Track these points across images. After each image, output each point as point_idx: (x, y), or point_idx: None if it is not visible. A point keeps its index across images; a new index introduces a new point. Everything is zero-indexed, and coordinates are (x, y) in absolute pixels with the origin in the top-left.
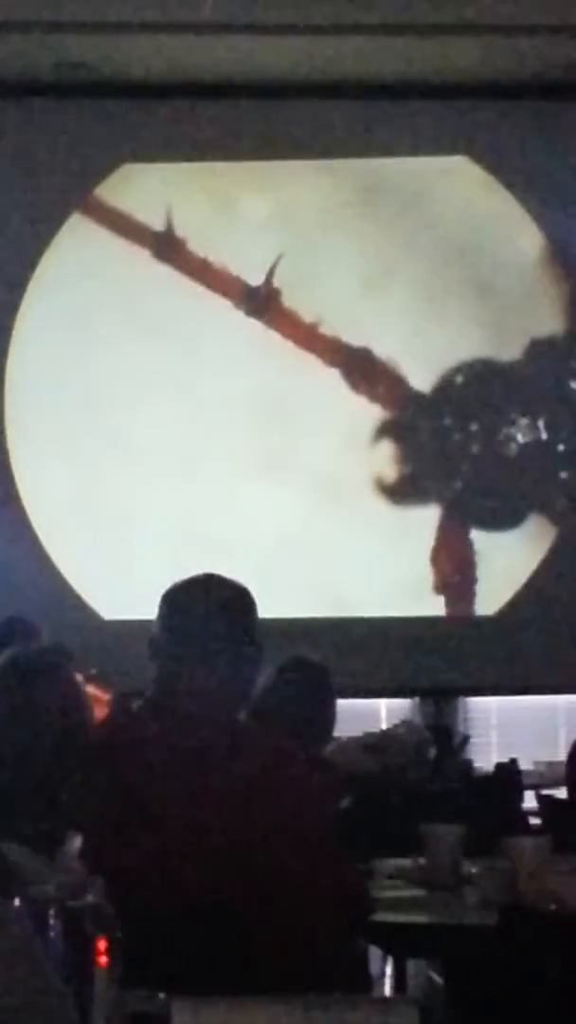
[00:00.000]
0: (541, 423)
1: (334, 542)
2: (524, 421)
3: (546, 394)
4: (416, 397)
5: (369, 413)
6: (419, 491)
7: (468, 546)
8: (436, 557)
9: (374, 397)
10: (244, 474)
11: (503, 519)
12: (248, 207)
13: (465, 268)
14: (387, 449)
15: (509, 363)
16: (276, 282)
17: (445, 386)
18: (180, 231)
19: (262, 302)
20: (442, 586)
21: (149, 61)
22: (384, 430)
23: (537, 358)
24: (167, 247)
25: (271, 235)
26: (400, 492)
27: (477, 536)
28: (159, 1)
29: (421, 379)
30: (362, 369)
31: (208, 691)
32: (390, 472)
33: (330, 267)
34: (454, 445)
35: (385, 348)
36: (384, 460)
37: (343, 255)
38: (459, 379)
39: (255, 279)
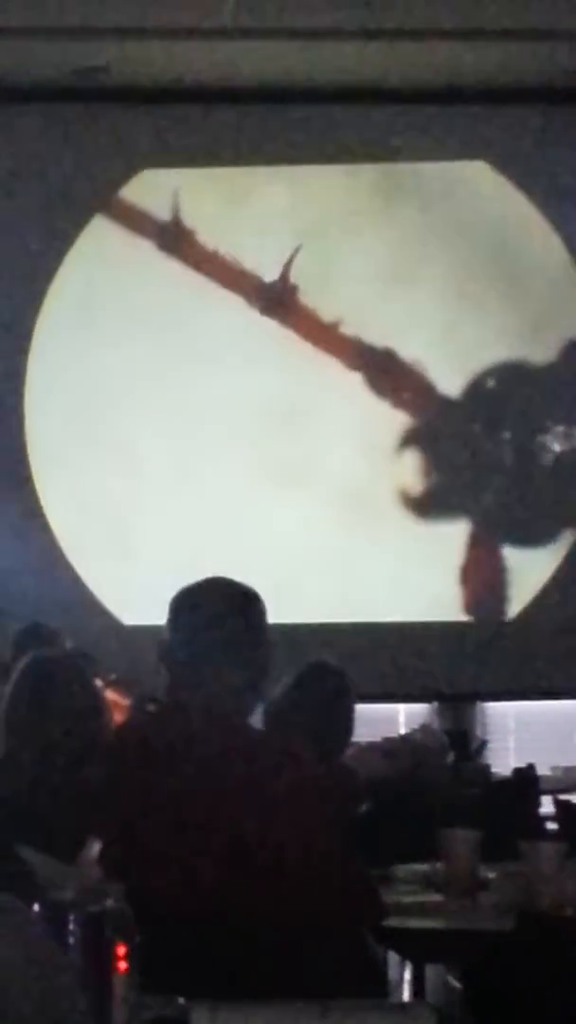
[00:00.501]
0: None
1: (354, 559)
2: (561, 429)
3: None
4: (444, 403)
5: (393, 420)
6: (447, 505)
7: (500, 564)
8: (465, 576)
9: (398, 403)
10: (258, 485)
11: (538, 535)
12: (263, 200)
13: (494, 266)
14: (412, 459)
15: (544, 366)
16: (293, 277)
17: (476, 391)
18: (189, 222)
19: (277, 299)
20: (472, 605)
21: (169, 66)
22: (409, 438)
23: (575, 360)
24: (172, 238)
25: (287, 227)
26: (426, 506)
27: (508, 551)
28: (180, 7)
29: (450, 383)
30: (386, 372)
31: (217, 694)
32: (415, 484)
33: (351, 262)
34: (485, 455)
35: (411, 349)
36: (409, 471)
37: (364, 248)
38: (491, 383)
39: (270, 274)
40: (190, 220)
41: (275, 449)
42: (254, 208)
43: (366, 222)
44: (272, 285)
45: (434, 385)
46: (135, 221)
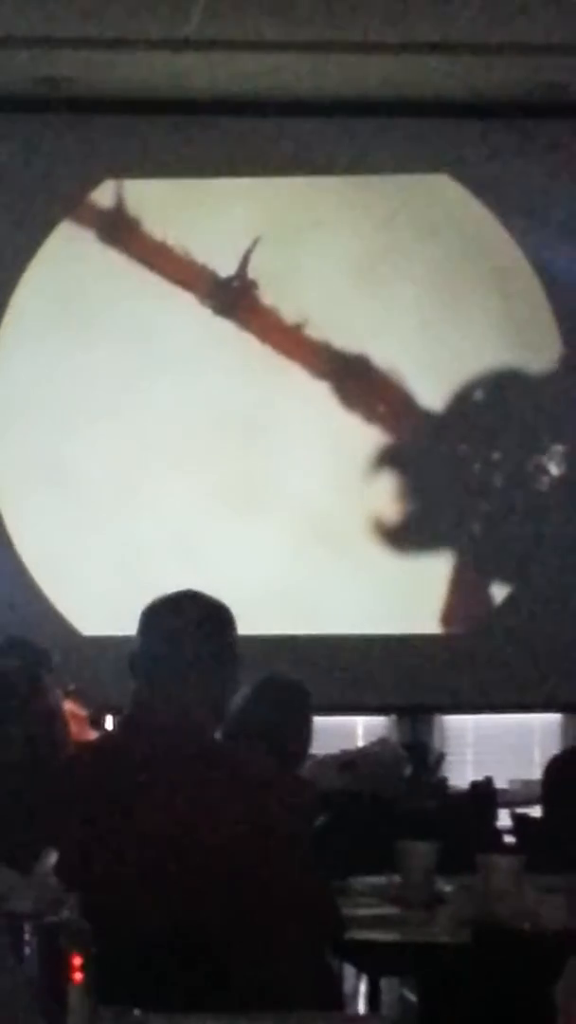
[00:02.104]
0: None
1: (319, 592)
2: (560, 448)
3: None
4: (425, 417)
5: (366, 436)
6: (427, 536)
7: (488, 602)
8: (448, 616)
9: (372, 416)
10: (210, 509)
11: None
12: (223, 205)
13: (470, 270)
14: (388, 482)
15: (540, 376)
16: (252, 273)
17: (461, 404)
18: (133, 212)
19: (234, 298)
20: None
21: (133, 77)
22: (385, 458)
23: (572, 371)
24: (113, 226)
25: (247, 221)
26: (404, 537)
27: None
28: (143, 18)
29: (431, 395)
30: (357, 381)
31: (184, 707)
32: (391, 511)
33: (317, 256)
34: (472, 478)
35: (386, 356)
36: (384, 496)
37: (332, 242)
38: (479, 395)
39: (226, 268)
40: (135, 211)
41: (230, 468)
42: (212, 209)
43: (331, 225)
44: (228, 281)
45: (413, 397)
46: (81, 213)
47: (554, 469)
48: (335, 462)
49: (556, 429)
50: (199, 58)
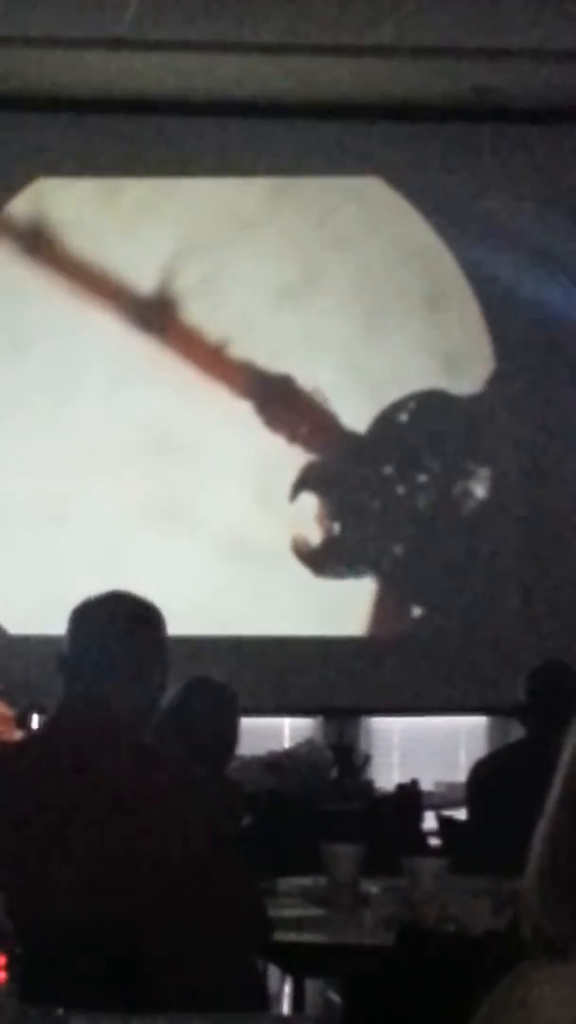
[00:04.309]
0: (509, 473)
1: (243, 599)
2: (486, 472)
3: (516, 437)
4: (349, 439)
5: (288, 457)
6: (350, 560)
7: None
8: (372, 622)
9: (295, 437)
10: (128, 529)
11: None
12: (148, 209)
13: (399, 284)
14: (310, 504)
15: (467, 397)
16: (173, 290)
17: (386, 425)
18: (55, 224)
19: (156, 314)
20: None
21: (62, 76)
22: (307, 480)
23: (501, 392)
24: (33, 238)
25: (170, 235)
26: (325, 560)
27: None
28: (75, 16)
29: (355, 416)
30: (280, 402)
31: (111, 707)
32: (313, 534)
33: (241, 273)
34: (396, 501)
35: (310, 376)
36: (306, 518)
37: (256, 258)
38: (403, 417)
39: (147, 284)
40: (60, 225)
41: (148, 488)
42: (135, 216)
43: (257, 233)
44: (149, 298)
45: (337, 418)
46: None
47: (480, 492)
48: (256, 483)
49: (483, 451)
50: (131, 58)
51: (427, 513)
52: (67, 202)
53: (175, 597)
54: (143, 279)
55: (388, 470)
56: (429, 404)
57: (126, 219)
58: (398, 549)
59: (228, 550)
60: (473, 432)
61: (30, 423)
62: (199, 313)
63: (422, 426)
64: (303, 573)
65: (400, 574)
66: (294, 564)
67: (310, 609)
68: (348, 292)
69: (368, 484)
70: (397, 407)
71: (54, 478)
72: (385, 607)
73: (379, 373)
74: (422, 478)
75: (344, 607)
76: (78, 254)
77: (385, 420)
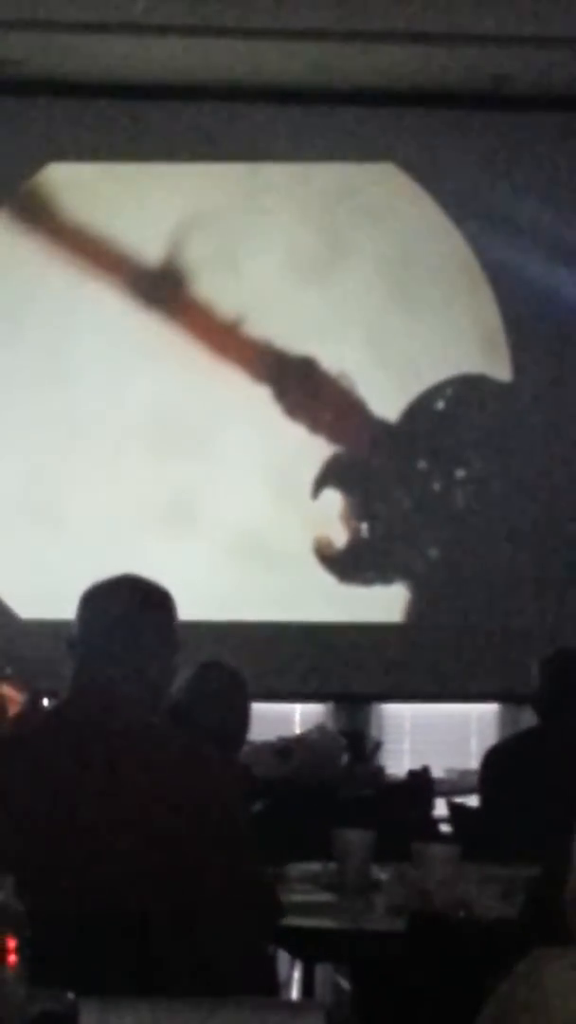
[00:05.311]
0: (529, 465)
1: (255, 586)
2: (515, 463)
3: (539, 428)
4: (378, 428)
5: (310, 449)
6: (379, 565)
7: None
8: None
9: (317, 426)
10: (136, 525)
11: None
12: (155, 177)
13: (423, 266)
14: (334, 502)
15: (509, 383)
16: (184, 262)
17: (420, 413)
18: (57, 193)
19: (163, 289)
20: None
21: (79, 60)
22: (331, 474)
23: (537, 376)
24: (28, 207)
25: (183, 204)
26: (352, 565)
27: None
28: (89, 2)
29: (386, 403)
30: (302, 386)
31: (122, 691)
32: (338, 535)
33: (257, 245)
34: (432, 498)
35: (335, 358)
36: (330, 517)
37: (274, 231)
38: (440, 404)
39: (152, 255)
40: (59, 194)
41: (157, 479)
42: (146, 195)
43: (274, 207)
44: (157, 271)
45: (364, 405)
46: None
47: (504, 486)
48: (274, 477)
49: (514, 444)
50: (144, 42)
51: (466, 512)
52: (72, 180)
53: (184, 581)
54: (148, 249)
55: (422, 464)
56: (469, 390)
57: (134, 194)
58: (433, 552)
59: (242, 553)
60: (511, 422)
61: (30, 404)
62: (211, 288)
63: (459, 415)
64: (327, 579)
65: (436, 580)
66: (316, 569)
67: (324, 597)
68: (369, 269)
69: (400, 479)
70: (433, 393)
71: (52, 464)
72: (413, 606)
73: (411, 355)
74: (460, 473)
75: (360, 596)
76: (79, 223)
77: (419, 408)
